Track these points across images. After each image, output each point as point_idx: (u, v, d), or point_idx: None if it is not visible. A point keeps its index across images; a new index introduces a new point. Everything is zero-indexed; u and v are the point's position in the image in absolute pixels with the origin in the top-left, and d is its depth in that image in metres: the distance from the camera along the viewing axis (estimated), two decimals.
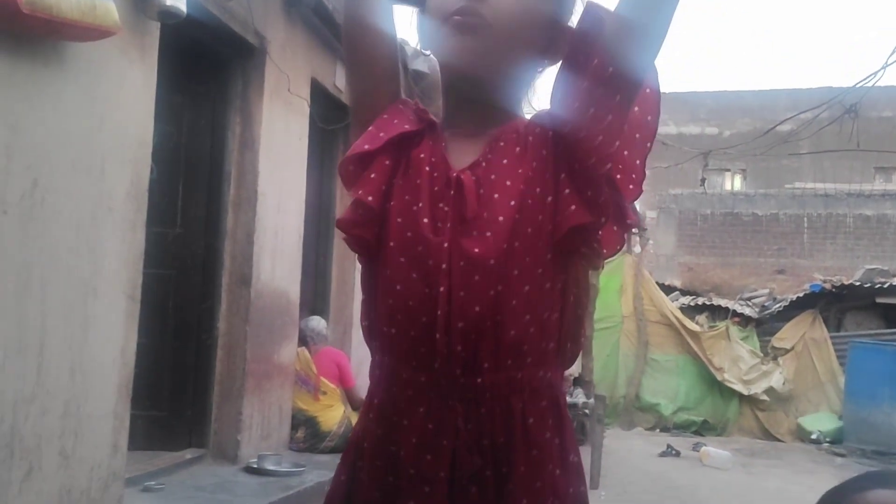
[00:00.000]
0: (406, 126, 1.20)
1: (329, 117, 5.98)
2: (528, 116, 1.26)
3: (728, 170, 18.35)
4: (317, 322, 5.74)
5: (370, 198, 1.16)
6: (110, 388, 3.31)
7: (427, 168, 1.18)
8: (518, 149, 1.17)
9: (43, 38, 2.79)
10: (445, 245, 1.12)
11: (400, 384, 1.15)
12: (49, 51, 2.86)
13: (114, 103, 3.24)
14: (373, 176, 1.18)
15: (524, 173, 1.15)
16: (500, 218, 1.12)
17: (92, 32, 2.81)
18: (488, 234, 1.12)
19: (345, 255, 6.34)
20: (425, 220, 1.13)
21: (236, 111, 4.75)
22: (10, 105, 2.70)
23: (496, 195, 1.14)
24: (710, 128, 18.80)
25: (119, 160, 3.30)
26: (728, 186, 18.36)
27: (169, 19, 3.41)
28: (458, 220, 1.13)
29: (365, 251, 1.21)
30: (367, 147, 1.18)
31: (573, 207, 1.12)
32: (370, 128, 1.21)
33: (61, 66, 2.93)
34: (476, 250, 1.11)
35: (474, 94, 1.21)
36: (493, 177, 1.15)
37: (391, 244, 1.16)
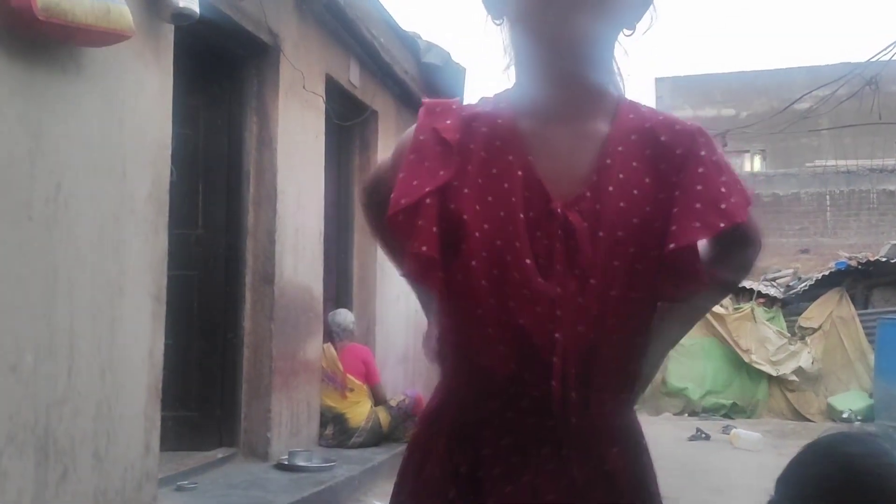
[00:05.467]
0: (441, 172, 1.07)
1: (345, 113, 5.99)
2: (633, 103, 1.14)
3: (747, 151, 18.19)
4: (343, 316, 5.75)
5: (424, 248, 1.06)
6: (140, 389, 3.34)
7: (519, 180, 1.06)
8: (635, 163, 1.07)
9: (59, 44, 2.82)
10: (559, 290, 1.04)
11: (485, 414, 1.10)
12: (66, 57, 2.89)
13: (132, 106, 3.27)
14: (423, 224, 1.06)
15: (641, 194, 1.06)
16: (616, 263, 1.05)
17: (107, 37, 2.83)
18: (592, 280, 1.04)
19: (365, 251, 6.35)
20: (528, 262, 1.04)
21: (252, 111, 4.77)
22: (30, 111, 2.73)
23: (619, 231, 1.05)
24: (726, 109, 18.65)
25: (139, 162, 3.32)
26: (748, 168, 18.19)
27: (182, 21, 3.43)
28: (563, 260, 1.05)
29: (438, 292, 1.10)
30: (404, 202, 1.06)
31: (678, 225, 1.04)
32: (400, 175, 1.09)
33: (79, 72, 2.96)
34: (580, 299, 1.04)
35: (574, 76, 1.09)
36: (598, 206, 1.05)
37: (483, 283, 1.05)
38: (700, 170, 1.06)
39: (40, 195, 2.77)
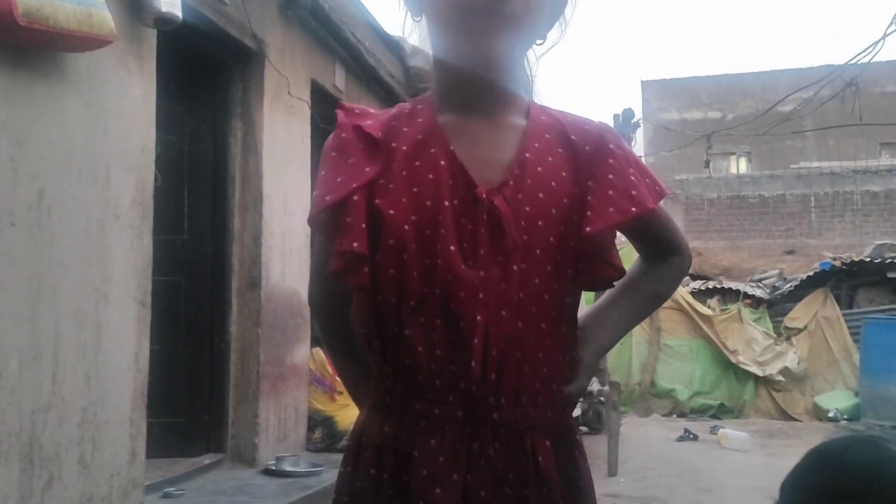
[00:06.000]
0: (367, 168, 1.09)
1: (330, 117, 5.96)
2: (547, 106, 1.19)
3: (733, 153, 18.31)
4: None
5: (356, 244, 1.07)
6: (126, 395, 3.33)
7: (443, 170, 1.09)
8: (551, 158, 1.12)
9: (42, 50, 2.81)
10: (482, 274, 1.05)
11: (412, 414, 1.09)
12: (48, 63, 2.88)
13: (115, 112, 3.26)
14: (352, 220, 1.07)
15: (559, 187, 1.11)
16: (538, 251, 1.08)
17: (89, 42, 2.82)
18: (515, 267, 1.06)
19: None
20: (452, 248, 1.06)
21: (237, 116, 4.76)
22: (12, 118, 2.72)
23: (539, 221, 1.08)
24: (712, 112, 18.76)
25: (123, 168, 3.32)
26: (734, 170, 18.30)
27: (165, 26, 3.43)
28: (487, 245, 1.06)
29: (365, 288, 1.11)
30: (329, 199, 1.08)
31: (594, 211, 1.09)
32: (322, 172, 1.11)
33: (61, 78, 2.95)
34: (503, 285, 1.06)
35: (491, 81, 1.13)
36: (520, 196, 1.08)
37: (414, 274, 1.06)
38: (610, 161, 1.13)
39: (23, 201, 2.76)
